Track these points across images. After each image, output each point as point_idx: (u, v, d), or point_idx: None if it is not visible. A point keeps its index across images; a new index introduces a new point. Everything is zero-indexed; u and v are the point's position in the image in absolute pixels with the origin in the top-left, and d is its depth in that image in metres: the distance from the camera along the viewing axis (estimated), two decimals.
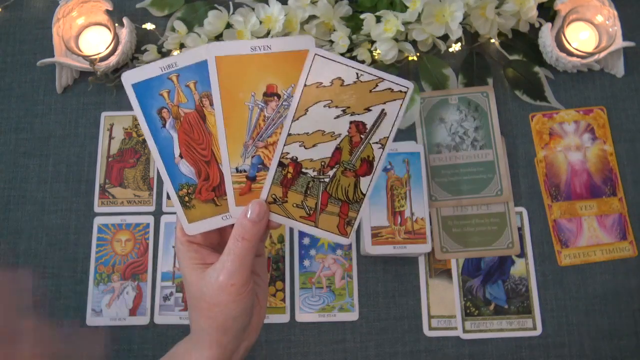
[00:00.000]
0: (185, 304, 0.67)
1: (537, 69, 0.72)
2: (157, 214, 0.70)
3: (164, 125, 0.43)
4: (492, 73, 0.73)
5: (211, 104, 0.43)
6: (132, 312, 0.66)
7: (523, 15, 0.70)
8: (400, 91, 0.43)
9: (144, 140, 0.72)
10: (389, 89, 0.42)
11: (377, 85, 0.42)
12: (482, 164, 0.70)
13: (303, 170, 0.43)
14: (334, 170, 0.43)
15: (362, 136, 0.43)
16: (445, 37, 0.70)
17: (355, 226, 0.43)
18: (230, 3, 0.70)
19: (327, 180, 0.43)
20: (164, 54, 0.73)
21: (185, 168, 0.43)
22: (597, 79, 0.73)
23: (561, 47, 0.70)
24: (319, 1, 0.68)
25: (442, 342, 0.66)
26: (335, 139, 0.43)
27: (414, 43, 0.71)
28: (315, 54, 0.42)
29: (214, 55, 0.42)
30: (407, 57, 0.72)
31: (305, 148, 0.42)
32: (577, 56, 0.69)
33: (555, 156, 0.71)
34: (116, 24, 0.71)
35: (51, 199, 0.70)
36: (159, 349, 0.66)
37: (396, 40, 0.69)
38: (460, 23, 0.67)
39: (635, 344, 0.65)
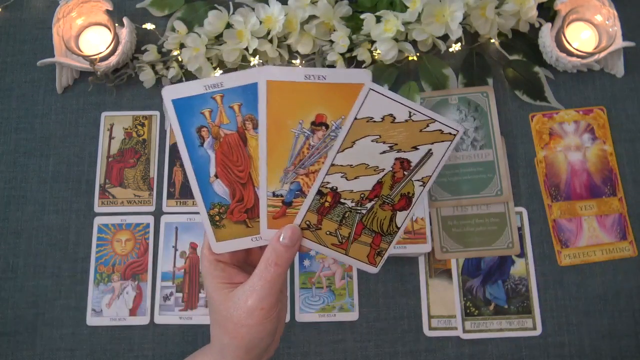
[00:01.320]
0: (185, 304, 0.67)
1: (537, 69, 0.72)
2: (157, 214, 0.70)
3: (202, 144, 0.43)
4: (492, 73, 0.73)
5: (254, 127, 0.42)
6: (132, 312, 0.66)
7: (523, 15, 0.70)
8: (450, 133, 0.43)
9: (144, 140, 0.72)
10: (440, 130, 0.42)
11: (428, 126, 0.42)
12: (482, 164, 0.70)
13: (341, 200, 0.42)
14: (372, 202, 0.43)
15: (406, 173, 0.43)
16: (445, 37, 0.70)
17: (385, 257, 0.43)
18: (230, 3, 0.70)
19: (363, 211, 0.43)
20: (164, 54, 0.73)
21: (220, 188, 0.43)
22: (597, 79, 0.73)
23: (561, 47, 0.70)
24: (319, 1, 0.68)
25: (442, 342, 0.66)
26: (378, 173, 0.43)
27: (414, 43, 0.71)
28: (370, 89, 0.42)
29: (265, 79, 0.42)
30: (407, 57, 0.72)
31: (347, 179, 0.42)
32: (577, 56, 0.69)
33: (555, 156, 0.71)
34: (116, 24, 0.71)
35: (51, 199, 0.70)
36: (159, 349, 0.66)
37: (396, 40, 0.69)
38: (460, 23, 0.67)
39: (635, 344, 0.65)
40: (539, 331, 0.65)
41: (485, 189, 0.69)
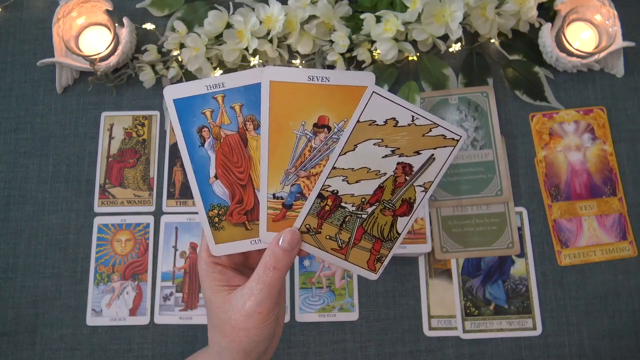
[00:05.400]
0: (185, 304, 0.67)
1: (537, 69, 0.72)
2: (157, 214, 0.70)
3: (202, 145, 0.42)
4: (492, 73, 0.73)
5: (255, 128, 0.42)
6: (132, 312, 0.66)
7: (523, 15, 0.70)
8: (453, 139, 0.42)
9: (144, 140, 0.72)
10: (442, 135, 0.42)
11: (430, 130, 0.42)
12: (482, 164, 0.70)
13: (342, 204, 0.42)
14: (373, 207, 0.42)
15: (407, 178, 0.42)
16: (445, 37, 0.70)
17: (385, 263, 0.43)
18: (230, 3, 0.70)
19: (364, 216, 0.42)
20: (164, 54, 0.73)
21: (219, 189, 0.43)
22: (597, 79, 0.73)
23: (561, 47, 0.70)
24: (319, 1, 0.68)
25: (442, 342, 0.66)
26: (380, 177, 0.42)
27: (414, 43, 0.71)
28: (374, 92, 0.41)
29: (268, 79, 0.41)
30: (407, 57, 0.72)
31: (348, 183, 0.42)
32: (577, 56, 0.69)
33: (555, 156, 0.71)
34: (116, 24, 0.71)
35: (51, 199, 0.70)
36: (159, 349, 0.66)
37: (396, 40, 0.69)
38: (460, 23, 0.67)
39: (635, 344, 0.65)
40: (539, 331, 0.65)
41: (485, 189, 0.69)
